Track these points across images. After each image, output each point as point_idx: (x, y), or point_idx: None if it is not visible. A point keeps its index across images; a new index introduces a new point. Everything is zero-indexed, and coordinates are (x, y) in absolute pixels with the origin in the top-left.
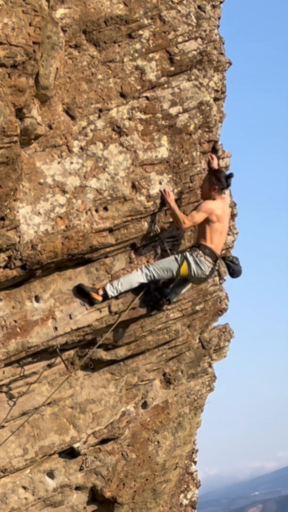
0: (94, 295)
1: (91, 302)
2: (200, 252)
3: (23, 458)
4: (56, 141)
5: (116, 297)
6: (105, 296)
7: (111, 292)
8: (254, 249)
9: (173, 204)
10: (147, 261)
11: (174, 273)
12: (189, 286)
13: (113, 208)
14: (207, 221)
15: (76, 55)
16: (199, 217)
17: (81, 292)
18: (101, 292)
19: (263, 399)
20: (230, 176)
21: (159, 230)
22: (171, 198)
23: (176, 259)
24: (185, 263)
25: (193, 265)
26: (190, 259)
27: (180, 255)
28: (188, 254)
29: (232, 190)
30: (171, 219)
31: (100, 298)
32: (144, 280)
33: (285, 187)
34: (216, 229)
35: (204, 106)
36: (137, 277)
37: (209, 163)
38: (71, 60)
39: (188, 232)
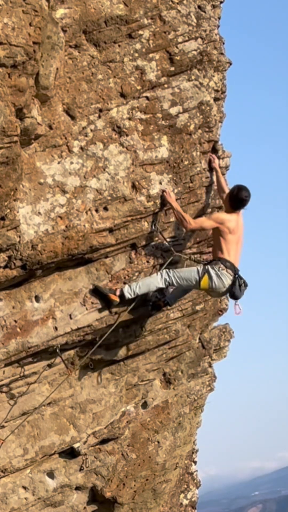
0: (112, 296)
1: (108, 303)
2: (222, 265)
3: (23, 458)
4: (56, 141)
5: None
6: (122, 298)
7: (128, 294)
8: (255, 248)
9: (175, 204)
10: (168, 268)
11: (193, 284)
12: (189, 292)
13: (113, 208)
14: (220, 233)
15: (76, 55)
16: (207, 224)
17: (97, 293)
18: (118, 293)
19: (263, 399)
20: (248, 195)
21: (160, 230)
22: (173, 199)
23: (198, 271)
24: (206, 276)
25: (214, 278)
26: (212, 272)
27: (202, 267)
28: (210, 268)
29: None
30: (171, 219)
31: (117, 300)
32: (162, 285)
33: (286, 187)
34: (231, 241)
35: (204, 106)
36: (156, 282)
37: (209, 162)
38: (71, 60)
39: (189, 232)
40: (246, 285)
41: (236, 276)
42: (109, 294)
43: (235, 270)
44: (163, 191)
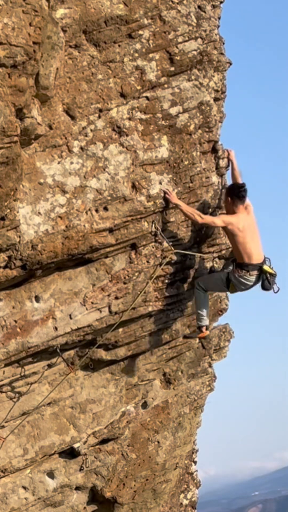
0: (202, 335)
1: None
2: (243, 271)
3: (23, 458)
4: (56, 141)
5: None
6: (206, 328)
7: (205, 322)
8: None
9: (179, 203)
10: (197, 281)
11: (223, 290)
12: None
13: (113, 208)
14: (233, 236)
15: (76, 55)
16: (217, 221)
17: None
18: (204, 330)
19: (263, 399)
20: (241, 186)
21: (160, 229)
22: (176, 198)
23: (222, 281)
24: (231, 284)
25: (238, 284)
26: (234, 280)
27: (225, 276)
28: (232, 277)
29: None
30: (171, 219)
31: (207, 333)
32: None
33: (286, 187)
34: (244, 241)
35: (204, 106)
36: (202, 296)
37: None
38: (71, 60)
39: (188, 232)
40: (273, 276)
41: (261, 273)
42: (199, 336)
43: (260, 268)
44: (165, 192)
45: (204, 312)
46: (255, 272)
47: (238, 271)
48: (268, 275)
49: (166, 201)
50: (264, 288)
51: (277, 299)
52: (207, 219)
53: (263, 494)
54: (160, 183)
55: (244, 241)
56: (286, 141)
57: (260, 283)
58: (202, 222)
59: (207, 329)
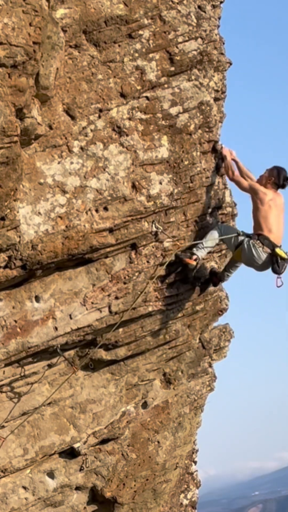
0: (189, 261)
1: (184, 267)
2: (259, 242)
3: (23, 458)
4: (56, 141)
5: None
6: (197, 259)
7: (200, 254)
8: None
9: (229, 157)
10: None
11: (231, 249)
12: (239, 266)
13: (113, 208)
14: (257, 208)
15: (76, 55)
16: (244, 183)
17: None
18: (194, 257)
19: (263, 399)
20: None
21: (161, 229)
22: (227, 153)
23: (236, 240)
24: (240, 248)
25: (246, 252)
26: (246, 247)
27: (241, 238)
28: (245, 242)
29: (231, 190)
30: (171, 219)
31: (194, 263)
32: (219, 234)
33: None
34: (268, 217)
35: (204, 106)
36: (215, 235)
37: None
38: (71, 60)
39: (188, 232)
40: (285, 260)
41: (274, 254)
42: (185, 260)
43: (273, 247)
44: (221, 146)
45: (205, 245)
46: (268, 250)
47: (255, 239)
48: (279, 258)
49: (220, 153)
50: (274, 271)
51: (279, 298)
52: (236, 178)
53: (263, 494)
54: (160, 183)
55: (268, 216)
56: (287, 141)
57: (270, 267)
58: (231, 177)
59: (197, 261)
